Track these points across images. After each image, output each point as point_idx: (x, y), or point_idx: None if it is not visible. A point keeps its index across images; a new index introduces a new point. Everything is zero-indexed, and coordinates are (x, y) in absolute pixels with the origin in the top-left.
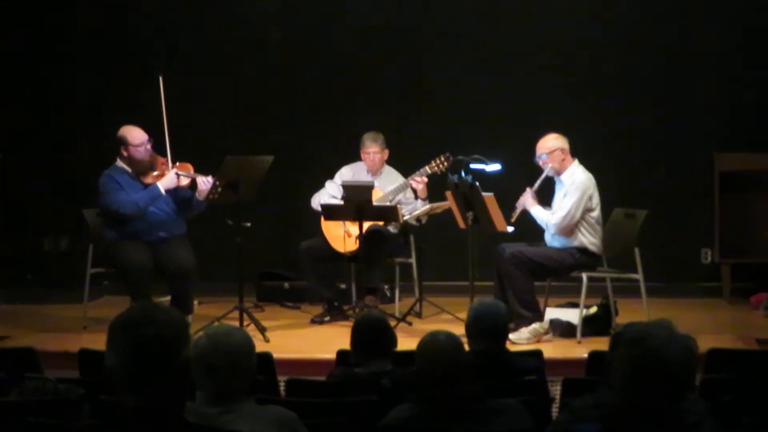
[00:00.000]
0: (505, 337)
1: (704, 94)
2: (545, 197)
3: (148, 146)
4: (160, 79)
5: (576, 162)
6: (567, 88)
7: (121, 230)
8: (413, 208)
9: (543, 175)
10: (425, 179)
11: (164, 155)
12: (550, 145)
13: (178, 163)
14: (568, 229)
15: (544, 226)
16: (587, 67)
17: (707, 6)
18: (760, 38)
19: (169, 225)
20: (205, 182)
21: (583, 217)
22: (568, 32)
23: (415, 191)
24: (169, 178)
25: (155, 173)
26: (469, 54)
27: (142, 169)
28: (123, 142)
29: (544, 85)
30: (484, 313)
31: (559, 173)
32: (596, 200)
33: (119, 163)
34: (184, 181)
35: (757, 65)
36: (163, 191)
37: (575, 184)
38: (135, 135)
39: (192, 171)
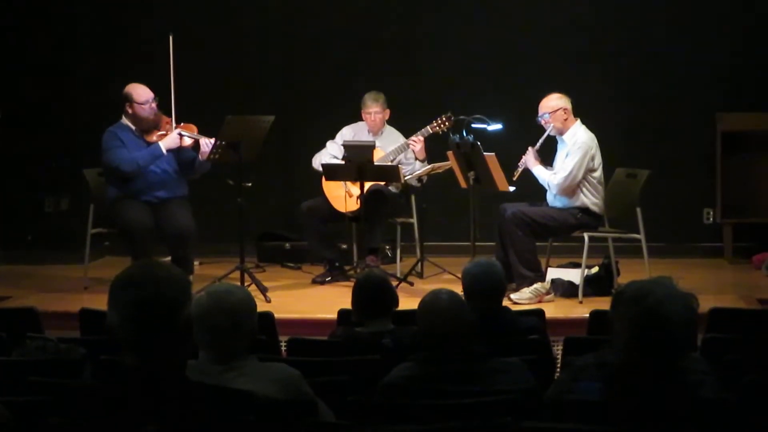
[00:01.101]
0: (503, 296)
1: (706, 54)
2: (547, 156)
3: (153, 105)
4: (170, 38)
5: (578, 122)
6: (570, 49)
7: (122, 188)
8: (412, 169)
9: (545, 135)
10: (422, 139)
11: (169, 115)
12: (553, 104)
13: (182, 124)
14: (570, 189)
15: (545, 186)
16: (590, 28)
17: None
18: None
19: (170, 185)
20: (207, 144)
21: (584, 178)
22: None
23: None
24: (172, 137)
25: (159, 132)
26: (471, 14)
27: (146, 127)
28: (128, 99)
29: (547, 45)
30: (480, 273)
31: (561, 133)
32: (598, 160)
33: (124, 120)
34: (187, 142)
35: (759, 25)
36: (164, 150)
37: (577, 144)
38: (140, 92)
39: (196, 132)
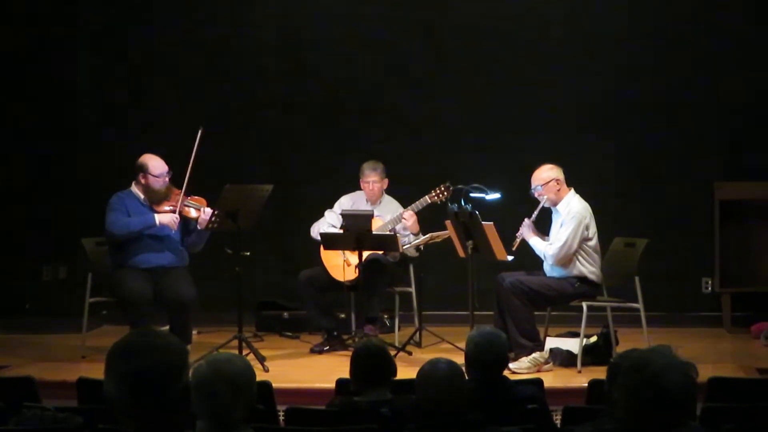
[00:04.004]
0: (504, 366)
1: (704, 124)
2: (544, 227)
3: (167, 178)
4: (200, 132)
5: (572, 191)
6: (568, 118)
7: (124, 256)
8: (408, 240)
9: (539, 207)
10: (413, 214)
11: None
12: (545, 176)
13: (192, 196)
14: (566, 258)
15: (542, 257)
16: (588, 98)
17: (708, 35)
18: (761, 68)
19: (173, 254)
20: (207, 213)
21: (580, 247)
22: (569, 62)
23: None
24: (170, 217)
25: (169, 204)
26: (469, 82)
27: (156, 198)
28: (143, 170)
29: (545, 115)
30: (483, 343)
31: (555, 203)
32: (593, 229)
33: (133, 188)
34: (193, 214)
35: (757, 96)
36: (157, 223)
37: (571, 213)
38: (156, 165)
39: (205, 205)
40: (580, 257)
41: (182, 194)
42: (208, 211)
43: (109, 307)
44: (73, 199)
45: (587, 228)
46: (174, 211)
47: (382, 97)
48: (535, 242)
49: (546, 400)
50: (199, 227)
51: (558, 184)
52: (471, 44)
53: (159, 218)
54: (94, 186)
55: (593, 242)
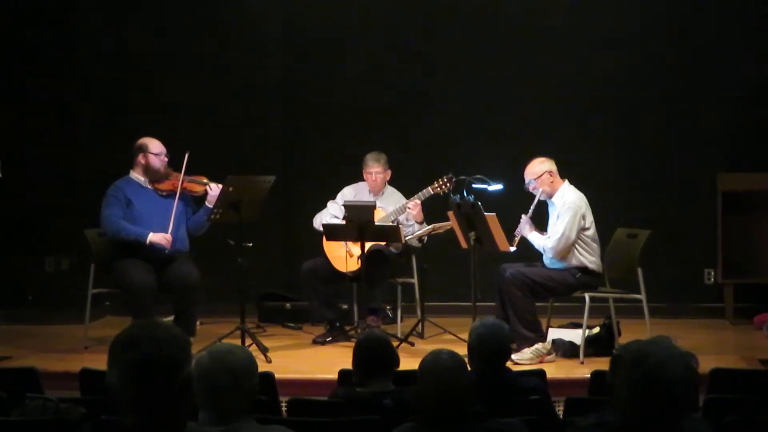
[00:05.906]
0: (507, 357)
1: (707, 115)
2: (541, 221)
3: (165, 159)
4: (186, 156)
5: (566, 182)
6: (570, 109)
7: (124, 243)
8: (412, 231)
9: (535, 201)
10: (418, 203)
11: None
12: (537, 170)
13: (193, 175)
14: (566, 250)
15: (541, 250)
16: (590, 88)
17: (711, 27)
18: (764, 59)
19: (174, 241)
20: (215, 188)
21: (578, 237)
22: (572, 54)
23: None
24: (162, 237)
25: (169, 184)
26: (471, 75)
27: (157, 177)
28: (142, 149)
29: (547, 105)
30: (486, 334)
31: (550, 196)
32: (590, 218)
33: (132, 174)
34: (198, 188)
35: (759, 86)
36: (148, 242)
37: (566, 205)
38: (155, 144)
39: (207, 180)
40: (578, 247)
41: (183, 173)
42: (216, 186)
43: (112, 297)
44: (75, 190)
45: (584, 218)
46: (176, 188)
47: (384, 88)
48: (534, 237)
49: (548, 391)
50: (208, 204)
51: (551, 176)
52: (473, 35)
53: (151, 237)
54: (97, 177)
55: (591, 231)
